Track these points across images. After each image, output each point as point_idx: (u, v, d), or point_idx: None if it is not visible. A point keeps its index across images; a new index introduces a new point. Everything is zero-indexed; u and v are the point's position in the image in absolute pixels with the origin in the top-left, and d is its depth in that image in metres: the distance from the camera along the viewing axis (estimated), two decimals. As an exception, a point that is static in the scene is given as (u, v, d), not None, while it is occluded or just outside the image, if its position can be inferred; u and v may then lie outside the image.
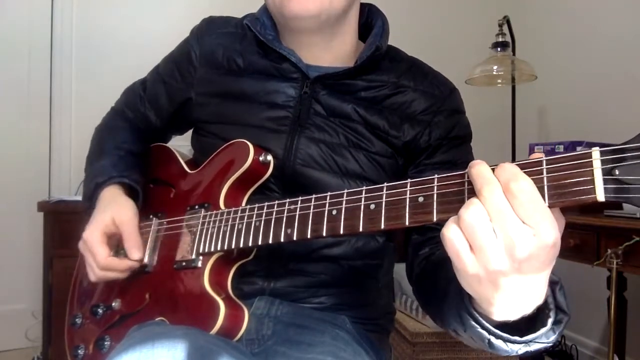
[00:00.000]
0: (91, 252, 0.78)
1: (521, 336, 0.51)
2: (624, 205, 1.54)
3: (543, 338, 0.50)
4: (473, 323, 0.52)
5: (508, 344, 0.51)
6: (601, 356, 2.24)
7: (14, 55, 2.43)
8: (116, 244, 0.82)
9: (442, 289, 0.62)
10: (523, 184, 0.44)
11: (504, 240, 0.44)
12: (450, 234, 0.46)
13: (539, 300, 0.49)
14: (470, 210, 0.45)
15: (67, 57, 2.50)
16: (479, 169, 0.46)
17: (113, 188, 0.84)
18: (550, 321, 0.50)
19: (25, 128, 2.46)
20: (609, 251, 1.46)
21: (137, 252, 0.79)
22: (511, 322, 0.50)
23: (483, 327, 0.51)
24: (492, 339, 0.51)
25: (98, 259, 0.78)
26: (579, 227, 1.60)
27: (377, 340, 0.86)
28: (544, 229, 0.43)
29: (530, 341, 0.51)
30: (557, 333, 0.50)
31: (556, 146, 1.86)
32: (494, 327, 0.51)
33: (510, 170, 0.45)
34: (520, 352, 0.52)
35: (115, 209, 0.81)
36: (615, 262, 1.45)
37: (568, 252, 1.63)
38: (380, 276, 0.88)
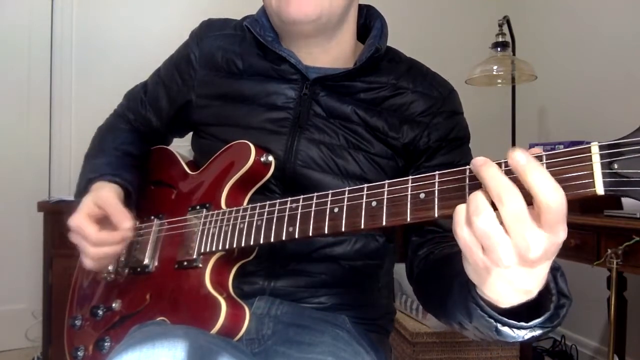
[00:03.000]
0: (81, 234, 0.76)
1: (526, 322, 0.52)
2: (624, 205, 1.54)
3: (547, 322, 0.52)
4: (481, 312, 0.53)
5: (514, 329, 0.52)
6: (601, 356, 2.24)
7: (14, 55, 2.43)
8: (105, 227, 0.78)
9: (445, 284, 0.63)
10: (554, 200, 0.42)
11: (519, 243, 0.44)
12: (464, 234, 0.47)
13: (541, 285, 0.50)
14: (482, 217, 0.45)
15: (67, 57, 2.50)
16: (492, 173, 0.45)
17: (101, 182, 0.83)
18: (552, 305, 0.52)
19: (25, 128, 2.46)
20: (609, 251, 1.46)
21: (126, 221, 0.77)
22: (515, 309, 0.52)
23: (490, 316, 0.52)
24: (499, 326, 0.52)
25: (89, 237, 0.75)
26: (579, 227, 1.60)
27: (377, 340, 0.86)
28: (559, 232, 0.44)
29: (536, 326, 0.52)
30: (560, 317, 0.52)
31: (556, 146, 1.86)
32: (500, 314, 0.52)
33: (539, 177, 0.43)
34: (527, 337, 0.53)
35: (95, 193, 0.80)
36: (615, 262, 1.45)
37: (568, 252, 1.63)
38: (380, 276, 0.88)
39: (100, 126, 1.01)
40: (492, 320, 0.52)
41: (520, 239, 0.44)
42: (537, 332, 0.52)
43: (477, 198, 0.46)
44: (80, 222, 0.76)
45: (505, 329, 0.52)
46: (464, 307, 0.55)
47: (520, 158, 0.43)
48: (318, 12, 0.76)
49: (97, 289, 0.89)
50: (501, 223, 0.45)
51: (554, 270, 0.51)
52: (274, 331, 0.76)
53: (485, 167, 0.46)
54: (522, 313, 0.52)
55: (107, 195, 0.79)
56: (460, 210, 0.47)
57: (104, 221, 0.78)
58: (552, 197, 0.42)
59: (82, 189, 0.85)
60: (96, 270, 0.85)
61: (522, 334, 0.52)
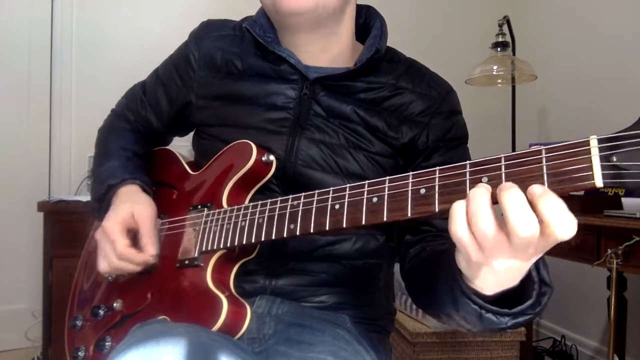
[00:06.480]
0: (110, 240, 0.78)
1: (509, 309, 0.54)
2: (624, 205, 1.54)
3: (529, 310, 0.54)
4: (466, 300, 0.55)
5: (498, 316, 0.55)
6: (601, 356, 2.24)
7: (13, 55, 2.43)
8: (132, 240, 0.81)
9: (435, 277, 0.64)
10: (568, 228, 0.45)
11: (519, 247, 0.46)
12: (460, 233, 0.48)
13: (523, 275, 0.53)
14: (483, 220, 0.46)
15: (67, 57, 2.50)
16: (519, 204, 0.45)
17: (131, 186, 0.85)
18: (535, 293, 0.54)
19: (25, 128, 2.46)
20: (609, 251, 1.46)
21: (153, 248, 0.79)
22: (500, 298, 0.54)
23: (475, 303, 0.55)
24: (484, 313, 0.55)
25: (117, 247, 0.77)
26: (579, 227, 1.58)
27: (378, 340, 0.86)
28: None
29: (518, 313, 0.54)
30: (542, 304, 0.54)
31: (556, 146, 1.86)
32: (485, 302, 0.55)
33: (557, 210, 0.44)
34: (509, 324, 0.55)
35: (136, 204, 0.81)
36: (615, 262, 1.45)
37: (568, 252, 1.63)
38: (380, 276, 0.88)
39: (101, 127, 1.01)
40: (477, 307, 0.55)
41: (524, 246, 0.46)
42: (520, 319, 0.55)
43: (483, 207, 0.46)
44: (115, 230, 0.78)
45: (489, 316, 0.55)
46: (450, 296, 0.57)
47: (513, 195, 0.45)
48: (314, 3, 0.77)
49: (97, 288, 0.89)
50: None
51: (537, 259, 0.53)
52: (275, 330, 0.76)
53: (506, 194, 0.45)
54: (505, 301, 0.55)
55: (148, 214, 0.80)
56: (459, 207, 0.48)
57: (131, 232, 0.80)
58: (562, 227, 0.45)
59: (102, 196, 0.85)
60: (105, 274, 0.85)
61: (505, 320, 0.55)
